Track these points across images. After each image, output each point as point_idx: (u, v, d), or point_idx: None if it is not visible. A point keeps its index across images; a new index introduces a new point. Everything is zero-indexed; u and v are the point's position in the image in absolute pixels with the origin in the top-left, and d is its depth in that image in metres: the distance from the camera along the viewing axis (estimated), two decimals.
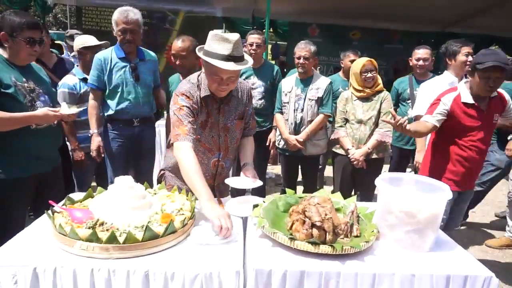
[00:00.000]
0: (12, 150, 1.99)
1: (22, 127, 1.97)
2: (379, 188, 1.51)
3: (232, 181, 1.83)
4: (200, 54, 1.69)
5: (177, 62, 2.68)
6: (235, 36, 1.65)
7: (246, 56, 1.75)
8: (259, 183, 1.81)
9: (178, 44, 2.65)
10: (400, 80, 3.75)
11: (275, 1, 4.59)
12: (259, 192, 3.61)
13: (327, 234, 1.38)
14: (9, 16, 1.97)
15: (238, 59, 1.66)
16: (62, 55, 4.11)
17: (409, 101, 3.54)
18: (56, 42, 7.84)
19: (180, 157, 1.65)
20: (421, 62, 3.43)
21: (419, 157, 2.94)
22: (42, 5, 6.30)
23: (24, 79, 2.02)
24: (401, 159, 3.74)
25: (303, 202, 1.49)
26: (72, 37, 4.20)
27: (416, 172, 3.12)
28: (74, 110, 2.17)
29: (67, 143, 2.87)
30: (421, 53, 3.44)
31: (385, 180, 1.54)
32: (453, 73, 2.88)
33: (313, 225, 1.38)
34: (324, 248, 1.30)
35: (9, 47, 1.98)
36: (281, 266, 1.27)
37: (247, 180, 1.83)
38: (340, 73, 4.06)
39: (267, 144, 3.37)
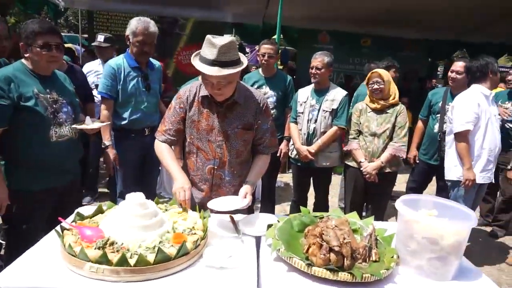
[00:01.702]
0: (30, 162, 1.96)
1: (42, 139, 1.94)
2: (399, 212, 1.44)
3: (214, 204, 1.69)
4: (195, 58, 1.70)
5: None
6: (223, 40, 1.61)
7: (243, 60, 1.70)
8: (244, 203, 1.69)
9: None
10: (434, 91, 3.67)
11: (286, 7, 4.57)
12: (269, 200, 3.58)
13: (345, 259, 1.32)
14: (25, 25, 1.95)
15: (225, 64, 1.62)
16: (75, 61, 4.12)
17: (439, 115, 3.41)
18: (67, 45, 7.90)
19: (156, 151, 1.92)
20: (453, 75, 3.30)
21: (469, 174, 2.76)
22: (55, 9, 6.35)
23: (47, 90, 1.99)
24: (425, 174, 3.64)
25: (320, 224, 1.44)
26: (96, 38, 4.16)
27: (450, 189, 2.98)
28: (97, 124, 2.16)
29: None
30: (456, 65, 3.31)
31: (403, 202, 1.47)
32: (486, 86, 2.83)
33: (330, 250, 1.32)
34: (343, 276, 1.25)
35: (30, 57, 1.95)
36: None
37: (231, 200, 1.72)
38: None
39: (278, 155, 3.32)
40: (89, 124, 2.11)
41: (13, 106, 1.86)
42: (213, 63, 1.61)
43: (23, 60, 1.99)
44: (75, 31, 15.39)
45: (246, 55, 10.24)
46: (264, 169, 1.96)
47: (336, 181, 4.26)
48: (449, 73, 3.37)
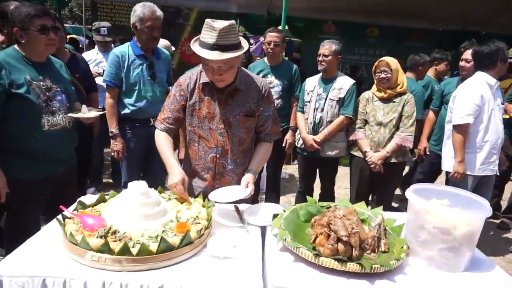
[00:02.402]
0: (22, 151, 1.92)
1: (35, 129, 1.90)
2: (409, 201, 1.40)
3: (215, 195, 1.65)
4: (195, 43, 1.65)
5: None
6: (223, 23, 1.56)
7: (244, 44, 1.65)
8: (245, 193, 1.65)
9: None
10: (447, 81, 3.59)
11: None
12: (274, 191, 3.55)
13: (354, 249, 1.28)
14: (17, 9, 1.87)
15: (225, 48, 1.56)
16: (78, 52, 4.04)
17: None
18: (72, 36, 7.85)
19: (155, 140, 1.86)
20: (463, 63, 3.25)
21: (458, 167, 2.68)
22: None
23: (40, 77, 1.92)
24: (435, 165, 3.51)
25: (327, 213, 1.40)
26: (98, 31, 4.08)
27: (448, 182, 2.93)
28: (94, 113, 2.11)
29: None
30: (466, 53, 3.24)
31: (414, 191, 1.42)
32: (492, 75, 2.70)
33: (338, 240, 1.28)
34: (352, 266, 1.21)
35: (25, 43, 1.88)
36: (304, 284, 1.18)
37: (232, 191, 1.68)
38: (432, 73, 4.11)
39: (283, 145, 3.27)
40: (85, 113, 2.07)
41: (4, 93, 1.81)
42: (213, 47, 1.56)
43: (16, 46, 1.92)
44: (79, 22, 15.31)
45: (251, 46, 10.14)
46: (267, 157, 1.91)
47: (342, 172, 4.22)
48: (460, 62, 3.30)
